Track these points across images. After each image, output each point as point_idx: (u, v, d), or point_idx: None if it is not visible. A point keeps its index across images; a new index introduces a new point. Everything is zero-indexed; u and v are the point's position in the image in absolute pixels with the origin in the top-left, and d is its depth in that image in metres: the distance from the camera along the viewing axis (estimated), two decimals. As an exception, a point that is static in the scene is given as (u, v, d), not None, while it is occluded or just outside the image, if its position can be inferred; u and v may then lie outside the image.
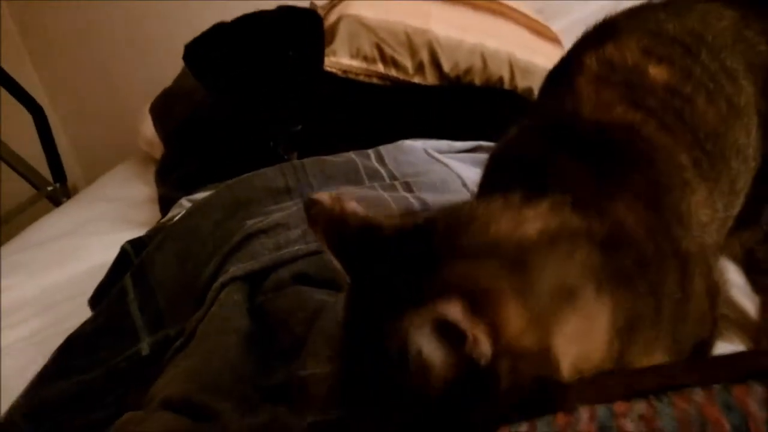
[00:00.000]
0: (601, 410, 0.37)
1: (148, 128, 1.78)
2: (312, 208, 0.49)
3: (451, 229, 0.43)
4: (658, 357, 0.45)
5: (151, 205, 1.59)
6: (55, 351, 0.88)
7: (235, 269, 0.80)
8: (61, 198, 2.07)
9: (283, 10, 1.25)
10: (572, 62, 0.62)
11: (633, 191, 0.48)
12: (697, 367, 0.41)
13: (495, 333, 0.37)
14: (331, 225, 0.48)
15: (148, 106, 1.91)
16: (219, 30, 1.23)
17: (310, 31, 1.25)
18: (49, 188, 2.05)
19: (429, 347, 0.38)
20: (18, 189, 2.19)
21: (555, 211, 0.44)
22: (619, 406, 0.38)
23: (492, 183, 0.58)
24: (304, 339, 0.70)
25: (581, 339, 0.40)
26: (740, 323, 0.79)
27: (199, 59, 1.24)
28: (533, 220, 0.42)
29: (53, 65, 2.62)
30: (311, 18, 1.29)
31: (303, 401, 0.65)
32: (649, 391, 0.38)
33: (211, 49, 1.22)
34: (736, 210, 0.63)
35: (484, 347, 0.37)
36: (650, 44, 0.60)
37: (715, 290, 0.53)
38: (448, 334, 0.37)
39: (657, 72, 0.58)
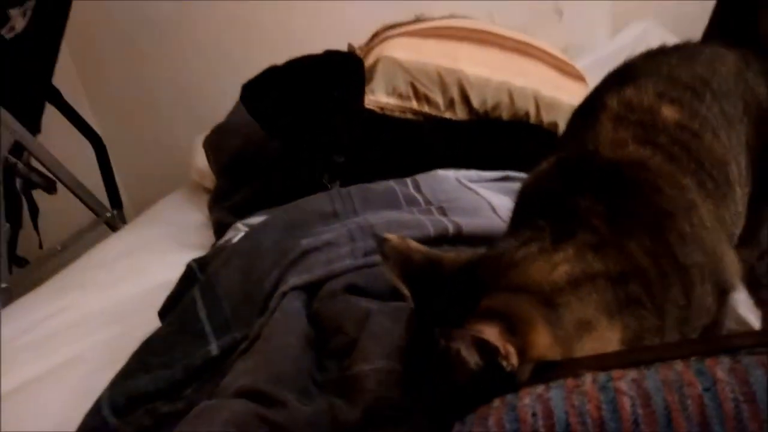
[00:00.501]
0: (601, 375, 0.48)
1: (200, 160, 1.94)
2: (383, 245, 0.62)
3: (496, 268, 0.56)
4: None
5: (204, 230, 1.72)
6: (135, 351, 1.00)
7: (294, 280, 0.92)
8: (117, 223, 2.22)
9: (329, 55, 1.39)
10: (596, 101, 0.72)
11: (641, 225, 0.59)
12: (679, 345, 0.52)
13: (524, 350, 0.50)
14: (400, 259, 0.61)
15: (195, 139, 2.07)
16: (272, 72, 1.37)
17: (353, 74, 1.39)
18: (108, 214, 2.21)
19: (467, 353, 0.50)
20: (72, 214, 2.37)
21: (579, 256, 0.56)
22: (616, 373, 0.48)
23: (523, 215, 0.68)
24: (354, 341, 0.82)
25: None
26: None
27: (254, 99, 1.39)
28: (562, 265, 0.55)
29: (106, 99, 2.81)
30: (354, 62, 1.43)
31: (355, 393, 0.76)
32: (641, 362, 0.49)
33: (265, 90, 1.36)
34: (739, 228, 0.71)
35: (513, 359, 0.50)
36: (664, 88, 0.69)
37: (724, 284, 0.62)
38: (484, 347, 0.49)
39: (669, 112, 0.67)
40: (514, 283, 0.55)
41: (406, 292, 0.60)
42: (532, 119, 1.64)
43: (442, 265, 0.60)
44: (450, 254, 0.62)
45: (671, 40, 2.27)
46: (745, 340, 0.50)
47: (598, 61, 2.17)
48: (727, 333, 0.62)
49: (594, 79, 1.92)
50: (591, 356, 0.53)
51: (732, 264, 0.64)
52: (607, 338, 0.54)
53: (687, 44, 0.81)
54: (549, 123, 1.64)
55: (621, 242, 0.58)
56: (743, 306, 0.92)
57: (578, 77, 1.76)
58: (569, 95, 1.67)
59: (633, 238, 0.58)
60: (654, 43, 2.27)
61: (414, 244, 0.62)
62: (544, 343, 0.51)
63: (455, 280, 0.58)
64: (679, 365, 0.48)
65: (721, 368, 0.47)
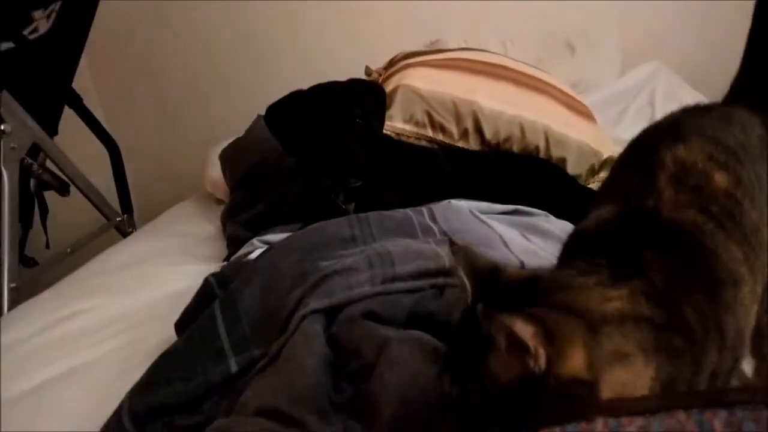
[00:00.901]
0: (611, 421, 0.53)
1: (215, 171, 1.98)
2: (454, 246, 0.69)
3: (552, 287, 0.61)
4: None
5: (215, 242, 1.76)
6: (154, 363, 1.03)
7: (314, 303, 0.96)
8: (127, 229, 2.26)
9: (353, 82, 1.44)
10: (650, 154, 0.74)
11: (697, 287, 0.63)
12: (682, 397, 0.57)
13: (554, 360, 0.55)
14: (468, 257, 0.67)
15: (210, 150, 2.12)
16: (296, 96, 1.42)
17: (375, 102, 1.44)
18: (118, 219, 2.24)
19: (501, 343, 0.55)
20: (82, 217, 2.40)
21: (632, 297, 0.60)
22: (625, 419, 0.53)
23: (578, 253, 0.70)
24: (372, 365, 0.85)
25: (625, 386, 0.58)
26: (740, 382, 0.92)
27: (277, 121, 1.43)
28: (614, 300, 0.60)
29: (120, 105, 2.85)
30: (377, 91, 1.48)
31: (371, 418, 0.80)
32: (647, 411, 0.54)
33: (289, 113, 1.40)
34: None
35: (541, 361, 0.54)
36: (712, 151, 0.72)
37: (736, 361, 0.67)
38: (516, 344, 0.54)
39: (720, 178, 0.70)
40: (564, 303, 0.59)
41: (468, 286, 0.65)
42: (542, 153, 1.70)
43: (505, 273, 0.66)
44: (513, 268, 0.68)
45: (678, 82, 2.34)
46: (740, 396, 0.54)
47: (606, 98, 2.24)
48: (723, 388, 0.67)
49: (601, 116, 1.99)
50: (603, 401, 0.57)
51: (745, 349, 0.69)
52: (640, 377, 0.59)
53: (718, 105, 0.85)
54: (558, 158, 1.70)
55: (674, 299, 0.62)
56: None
57: (587, 115, 1.82)
58: (578, 132, 1.73)
59: (688, 298, 0.62)
60: (661, 84, 2.33)
61: (480, 251, 0.69)
62: (577, 361, 0.56)
63: (513, 288, 0.63)
64: (681, 416, 0.53)
65: (718, 421, 0.52)
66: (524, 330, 0.54)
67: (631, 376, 0.58)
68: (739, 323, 0.65)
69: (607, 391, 0.57)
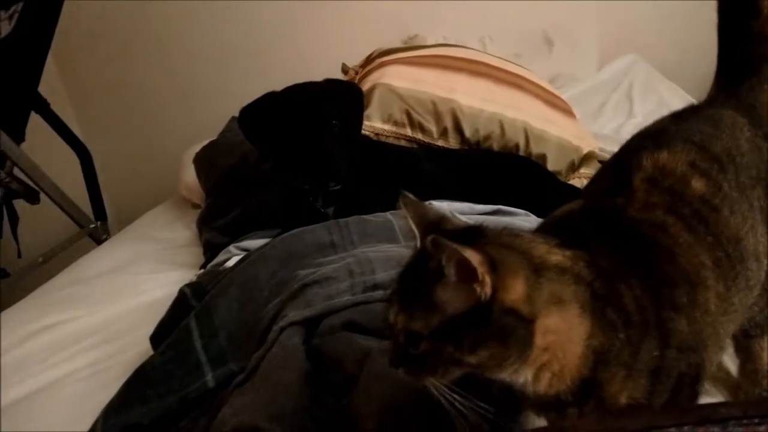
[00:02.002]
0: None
1: (189, 176, 1.93)
2: (404, 198, 0.71)
3: (501, 234, 0.63)
4: (634, 392, 0.61)
5: (191, 248, 1.72)
6: (129, 379, 1.00)
7: (293, 315, 0.93)
8: (101, 236, 2.20)
9: (330, 82, 1.41)
10: (631, 159, 0.75)
11: (641, 278, 0.62)
12: (672, 413, 0.55)
13: (499, 286, 0.57)
14: (417, 208, 0.70)
15: (184, 154, 2.07)
16: (270, 97, 1.38)
17: (352, 104, 1.41)
18: (92, 226, 2.19)
19: (450, 272, 0.58)
20: (55, 226, 2.34)
21: (574, 258, 0.62)
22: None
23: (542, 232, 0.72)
24: (354, 378, 0.83)
25: (559, 334, 0.59)
26: (723, 381, 0.91)
27: (251, 123, 1.39)
28: (557, 255, 0.61)
29: (91, 110, 2.79)
30: (354, 91, 1.45)
31: (353, 430, 0.77)
32: (637, 429, 0.52)
33: (263, 116, 1.37)
34: (750, 302, 0.74)
35: (487, 288, 0.57)
36: (696, 158, 0.72)
37: (696, 368, 0.65)
38: (465, 271, 0.57)
39: (697, 185, 0.70)
40: (510, 245, 0.61)
41: (417, 232, 0.67)
42: (522, 151, 1.68)
43: (452, 222, 0.68)
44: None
45: (655, 74, 2.34)
46: (732, 411, 0.53)
47: (584, 92, 2.24)
48: (715, 403, 0.65)
49: (580, 109, 1.98)
50: (585, 421, 0.55)
51: (709, 361, 0.67)
52: (574, 324, 0.59)
53: (707, 108, 0.83)
54: (537, 155, 1.68)
55: (613, 278, 0.62)
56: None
57: (567, 111, 1.81)
58: (558, 128, 1.71)
59: (626, 283, 0.62)
60: (638, 78, 2.33)
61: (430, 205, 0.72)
62: (518, 292, 0.57)
63: (460, 232, 0.64)
64: (672, 432, 0.51)
65: (715, 436, 0.50)
66: (473, 257, 0.56)
67: (565, 324, 0.59)
68: (696, 327, 0.64)
69: (541, 335, 0.58)
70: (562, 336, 0.59)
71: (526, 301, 0.58)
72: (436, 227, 0.66)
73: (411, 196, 0.71)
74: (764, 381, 0.84)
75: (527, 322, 0.58)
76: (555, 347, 0.59)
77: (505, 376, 0.61)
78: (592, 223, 0.69)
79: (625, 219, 0.68)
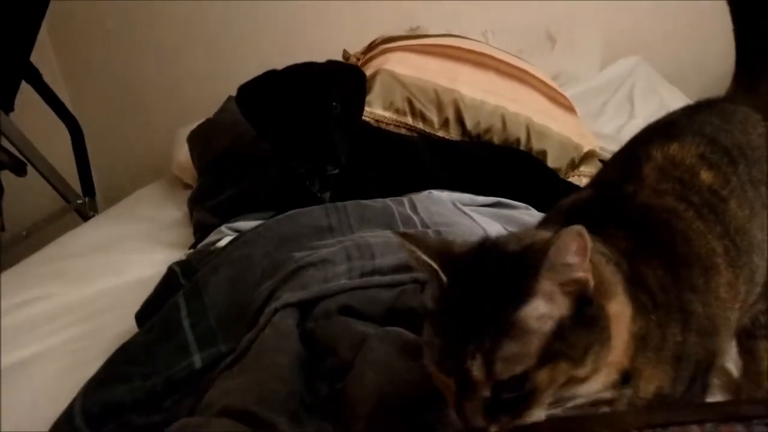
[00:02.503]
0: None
1: (182, 154, 1.89)
2: (399, 235, 0.61)
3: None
4: (661, 380, 0.58)
5: (181, 228, 1.68)
6: (111, 357, 0.96)
7: (288, 296, 0.89)
8: (88, 212, 2.16)
9: (332, 65, 1.37)
10: (641, 151, 0.73)
11: (660, 259, 0.61)
12: (692, 409, 0.52)
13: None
14: (420, 243, 0.59)
15: (178, 132, 2.03)
16: (270, 76, 1.35)
17: (354, 87, 1.38)
18: (79, 201, 2.14)
19: (544, 282, 0.52)
20: (43, 200, 2.29)
21: (603, 243, 0.59)
22: (634, 436, 0.48)
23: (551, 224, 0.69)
24: (349, 364, 0.80)
25: (618, 320, 0.55)
26: (725, 383, 0.89)
27: (249, 102, 1.36)
28: (595, 242, 0.56)
29: (84, 83, 2.73)
30: (357, 75, 1.41)
31: (347, 418, 0.74)
32: (658, 425, 0.49)
33: (261, 94, 1.33)
34: (753, 298, 0.72)
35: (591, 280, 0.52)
36: (705, 151, 0.71)
37: (711, 355, 0.63)
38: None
39: (706, 176, 0.69)
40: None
41: (434, 263, 0.57)
42: (523, 146, 1.65)
43: (461, 245, 0.60)
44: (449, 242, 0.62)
45: (657, 77, 2.33)
46: (755, 409, 0.50)
47: (586, 92, 2.22)
48: (738, 399, 0.63)
49: (581, 109, 1.96)
50: (605, 415, 0.52)
51: (721, 350, 0.66)
52: (623, 312, 0.56)
53: (722, 102, 0.82)
54: (538, 151, 1.66)
55: (638, 260, 0.60)
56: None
57: (569, 108, 1.79)
58: (559, 125, 1.69)
59: (647, 264, 0.60)
60: (640, 80, 2.32)
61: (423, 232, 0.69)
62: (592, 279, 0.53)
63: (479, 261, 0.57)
64: (694, 429, 0.48)
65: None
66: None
67: (619, 308, 0.55)
68: (710, 312, 0.62)
69: (607, 317, 0.54)
70: (619, 323, 0.55)
71: (596, 288, 0.53)
72: (449, 254, 0.58)
73: (407, 231, 0.68)
74: (767, 383, 0.82)
75: (603, 310, 0.54)
76: (614, 337, 0.54)
77: (596, 385, 0.54)
78: (603, 210, 0.67)
79: (636, 204, 0.67)
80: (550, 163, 1.66)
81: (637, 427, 0.49)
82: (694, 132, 0.73)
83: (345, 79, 1.34)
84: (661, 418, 0.50)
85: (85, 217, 2.13)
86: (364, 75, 1.44)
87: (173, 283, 1.10)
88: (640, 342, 0.56)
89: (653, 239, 0.63)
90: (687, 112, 0.80)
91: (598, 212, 0.66)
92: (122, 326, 1.16)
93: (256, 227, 1.14)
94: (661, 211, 0.65)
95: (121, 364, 0.93)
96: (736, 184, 0.70)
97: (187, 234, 1.61)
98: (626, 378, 0.56)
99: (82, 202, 2.17)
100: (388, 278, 0.92)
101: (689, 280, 0.62)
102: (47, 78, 2.17)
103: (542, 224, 0.72)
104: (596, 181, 0.81)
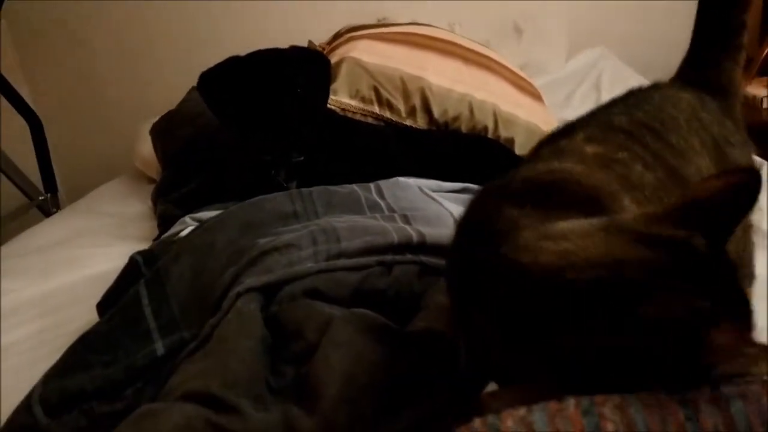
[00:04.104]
0: (584, 400, 0.47)
1: (145, 148, 1.86)
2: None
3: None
4: None
5: (145, 222, 1.65)
6: (71, 346, 0.93)
7: (251, 281, 0.88)
8: (50, 209, 2.11)
9: (295, 50, 1.35)
10: (534, 155, 0.75)
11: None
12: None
13: None
14: None
15: (141, 125, 1.99)
16: (233, 62, 1.32)
17: (318, 73, 1.36)
18: (41, 198, 2.09)
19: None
20: (4, 197, 2.23)
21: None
22: (599, 398, 0.48)
23: None
24: (314, 346, 0.78)
25: None
26: None
27: (211, 89, 1.33)
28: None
29: (45, 78, 2.67)
30: (321, 60, 1.40)
31: (313, 400, 0.73)
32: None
33: (224, 81, 1.30)
34: None
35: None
36: (593, 133, 0.72)
37: None
38: None
39: (591, 149, 0.69)
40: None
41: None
42: (490, 134, 1.65)
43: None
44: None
45: (622, 68, 2.36)
46: (724, 369, 0.50)
47: (552, 82, 2.23)
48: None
49: (548, 99, 1.97)
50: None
51: None
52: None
53: (641, 91, 0.83)
54: (506, 139, 1.66)
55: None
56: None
57: (536, 96, 1.79)
58: (527, 113, 1.69)
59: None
60: (606, 70, 2.34)
61: None
62: None
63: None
64: (661, 392, 0.48)
65: (702, 398, 0.47)
66: None
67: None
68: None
69: None
70: None
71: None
72: None
73: None
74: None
75: None
76: None
77: None
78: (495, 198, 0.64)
79: (521, 182, 0.65)
80: (518, 150, 1.65)
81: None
82: (586, 125, 0.74)
83: (308, 65, 1.32)
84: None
85: (48, 214, 2.08)
86: (328, 60, 1.42)
87: (135, 272, 1.08)
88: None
89: (556, 198, 0.60)
90: (592, 111, 0.81)
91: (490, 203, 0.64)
92: (85, 319, 1.13)
93: (219, 214, 1.12)
94: (551, 175, 0.64)
95: (81, 353, 0.91)
96: (637, 150, 0.69)
97: (152, 227, 1.58)
98: None
99: (44, 198, 2.12)
100: (353, 261, 0.91)
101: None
102: (6, 73, 2.11)
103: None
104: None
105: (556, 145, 0.72)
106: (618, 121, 0.74)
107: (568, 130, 0.75)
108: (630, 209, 0.60)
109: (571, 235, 0.50)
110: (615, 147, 0.69)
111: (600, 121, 0.75)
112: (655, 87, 0.84)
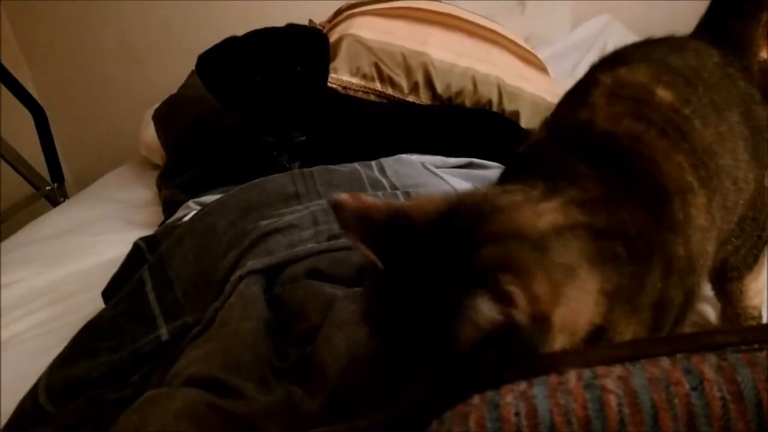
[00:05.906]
0: (586, 372, 0.46)
1: (149, 134, 1.85)
2: (339, 211, 0.54)
3: (479, 216, 0.51)
4: (635, 328, 0.55)
5: (152, 208, 1.66)
6: (76, 334, 0.94)
7: (253, 263, 0.87)
8: (58, 198, 2.11)
9: (294, 28, 1.33)
10: (588, 80, 0.70)
11: (637, 198, 0.57)
12: (663, 341, 0.50)
13: (531, 301, 0.47)
14: (359, 221, 0.53)
15: (144, 112, 1.98)
16: (231, 43, 1.31)
17: (317, 51, 1.34)
18: (48, 188, 2.09)
19: (489, 311, 0.46)
20: (12, 188, 2.23)
21: (564, 207, 0.53)
22: (601, 370, 0.46)
23: (512, 176, 0.64)
24: (317, 327, 0.78)
25: (574, 303, 0.51)
26: (702, 328, 0.89)
27: (210, 70, 1.32)
28: (548, 214, 0.52)
29: (48, 67, 2.66)
30: (320, 38, 1.38)
31: (316, 381, 0.73)
32: (625, 359, 0.47)
33: (222, 61, 1.29)
34: (728, 227, 0.70)
35: (525, 312, 0.47)
36: (657, 72, 0.68)
37: (690, 294, 0.61)
38: (504, 301, 0.46)
39: (663, 94, 0.65)
40: (502, 233, 0.50)
41: (373, 257, 0.51)
42: (495, 107, 1.63)
43: (410, 218, 0.53)
44: (416, 203, 0.54)
45: (629, 36, 2.32)
46: (729, 338, 0.48)
47: (557, 54, 2.19)
48: (710, 330, 0.62)
49: (553, 70, 1.93)
50: (573, 351, 0.50)
51: (698, 285, 0.63)
52: (587, 287, 0.52)
53: (673, 37, 0.79)
54: (511, 112, 1.63)
55: (610, 206, 0.56)
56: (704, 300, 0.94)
57: (541, 68, 1.76)
58: (532, 85, 1.66)
59: (626, 207, 0.56)
60: (612, 38, 2.29)
61: (371, 201, 0.54)
62: (544, 292, 0.48)
63: (430, 233, 0.51)
64: (665, 362, 0.46)
65: (708, 366, 0.46)
66: (510, 286, 0.46)
67: (581, 294, 0.51)
68: (690, 247, 0.59)
69: (560, 316, 0.49)
70: (578, 304, 0.51)
71: (550, 297, 0.49)
72: (392, 236, 0.52)
73: (343, 201, 0.53)
74: (746, 324, 0.81)
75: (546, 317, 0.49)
76: (571, 317, 0.51)
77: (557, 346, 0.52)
78: (568, 146, 0.63)
79: (595, 133, 0.63)
80: (524, 123, 1.63)
81: (606, 361, 0.48)
82: (641, 58, 0.70)
83: (306, 43, 1.30)
84: (631, 351, 0.49)
85: (55, 204, 2.09)
86: (326, 37, 1.40)
87: (139, 258, 1.08)
88: (611, 297, 0.53)
89: (625, 174, 0.59)
90: (634, 44, 0.77)
91: (557, 153, 0.62)
92: (93, 307, 1.13)
93: (221, 197, 1.12)
94: (622, 140, 0.61)
95: (86, 341, 0.91)
96: (697, 104, 0.66)
97: (158, 214, 1.58)
98: (598, 332, 0.53)
99: (51, 188, 2.13)
100: None
101: (669, 217, 0.58)
102: (8, 63, 2.10)
103: (502, 178, 0.67)
104: (547, 121, 0.75)
105: (617, 77, 0.67)
106: (672, 61, 0.70)
107: (621, 59, 0.70)
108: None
109: None
110: (681, 96, 0.66)
111: (654, 57, 0.71)
112: (688, 37, 0.80)
